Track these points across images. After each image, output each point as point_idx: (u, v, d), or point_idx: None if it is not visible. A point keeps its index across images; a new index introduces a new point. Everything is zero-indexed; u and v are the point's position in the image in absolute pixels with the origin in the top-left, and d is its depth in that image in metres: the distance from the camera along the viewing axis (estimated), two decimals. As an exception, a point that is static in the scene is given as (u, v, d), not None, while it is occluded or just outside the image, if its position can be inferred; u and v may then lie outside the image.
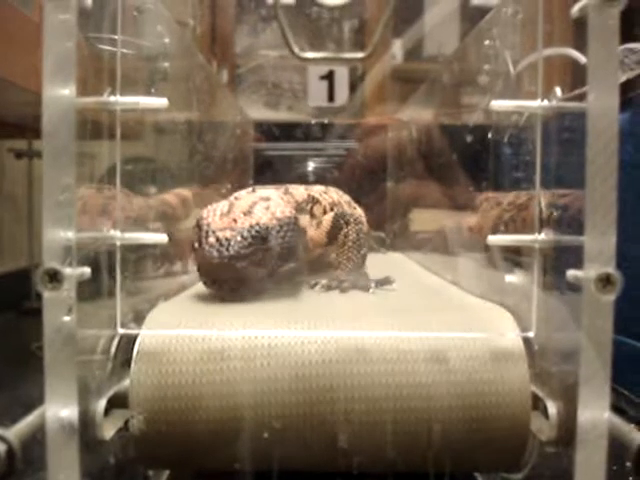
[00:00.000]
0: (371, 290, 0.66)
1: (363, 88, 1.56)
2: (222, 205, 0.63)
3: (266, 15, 1.73)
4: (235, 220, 0.59)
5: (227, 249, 0.57)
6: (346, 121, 1.43)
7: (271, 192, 0.67)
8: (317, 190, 0.79)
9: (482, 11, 0.66)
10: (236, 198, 0.65)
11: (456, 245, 0.79)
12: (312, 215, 0.74)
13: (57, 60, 0.37)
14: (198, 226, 0.60)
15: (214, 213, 0.61)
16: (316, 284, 0.67)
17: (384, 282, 0.68)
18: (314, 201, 0.75)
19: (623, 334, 0.79)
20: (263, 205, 0.62)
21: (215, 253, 0.56)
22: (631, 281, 0.37)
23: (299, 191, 0.75)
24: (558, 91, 0.46)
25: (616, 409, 0.38)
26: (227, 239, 0.57)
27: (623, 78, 0.81)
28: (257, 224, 0.59)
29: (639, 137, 0.80)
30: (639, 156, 0.78)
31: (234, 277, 0.57)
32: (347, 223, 0.72)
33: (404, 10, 1.63)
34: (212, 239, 0.57)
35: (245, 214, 0.60)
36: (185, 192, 0.75)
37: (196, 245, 0.59)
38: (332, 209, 0.77)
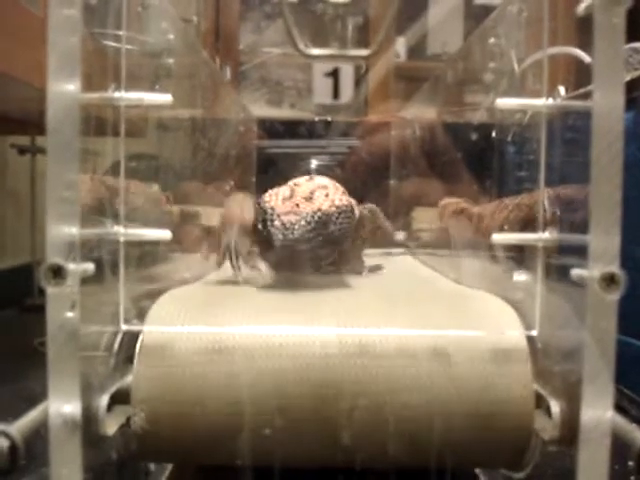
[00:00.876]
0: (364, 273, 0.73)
1: (366, 86, 1.56)
2: (283, 190, 0.65)
3: (270, 12, 1.73)
4: (297, 205, 0.62)
5: (292, 232, 0.59)
6: (349, 119, 1.43)
7: (327, 180, 0.71)
8: (320, 183, 0.80)
9: (486, 9, 0.66)
10: (296, 184, 0.68)
11: (459, 243, 0.79)
12: None
13: (62, 55, 0.37)
14: (261, 209, 0.62)
15: (277, 197, 0.63)
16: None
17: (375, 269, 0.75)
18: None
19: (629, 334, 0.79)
20: (323, 192, 0.66)
21: (280, 236, 0.59)
22: (636, 282, 0.37)
23: (303, 184, 0.76)
24: (562, 90, 0.46)
25: (621, 410, 0.38)
26: (292, 223, 0.60)
27: (627, 78, 0.81)
28: (319, 210, 0.62)
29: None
30: (643, 155, 0.78)
31: (296, 258, 0.61)
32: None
33: (408, 8, 1.63)
34: (277, 222, 0.60)
35: (306, 200, 0.63)
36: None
37: (260, 227, 0.61)
38: None
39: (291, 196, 0.64)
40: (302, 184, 0.68)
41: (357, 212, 0.72)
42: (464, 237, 0.76)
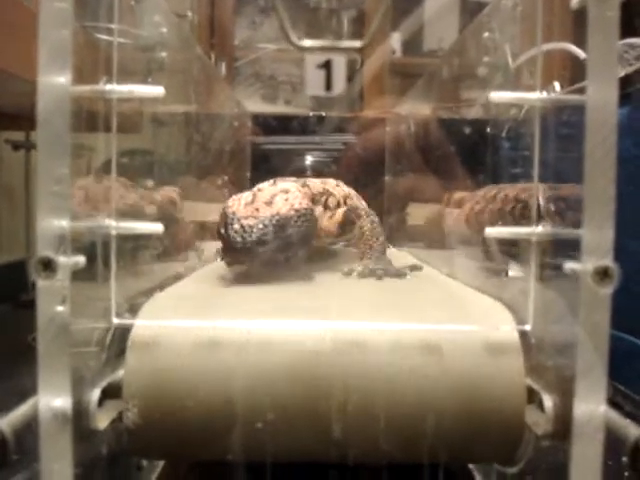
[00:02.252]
0: (408, 276, 0.71)
1: (361, 80, 1.56)
2: (246, 195, 0.68)
3: (265, 7, 1.72)
4: (258, 209, 0.65)
5: (250, 235, 0.62)
6: (342, 113, 1.42)
7: (290, 185, 0.73)
8: (331, 184, 0.84)
9: (482, 5, 0.66)
10: (259, 190, 0.70)
11: (454, 238, 0.79)
12: (326, 207, 0.79)
13: (53, 48, 0.37)
14: (224, 213, 0.65)
15: (239, 202, 0.66)
16: (351, 272, 0.71)
17: (414, 269, 0.74)
18: (328, 193, 0.81)
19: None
20: (283, 197, 0.68)
21: (239, 238, 0.62)
22: (631, 275, 0.36)
23: (315, 184, 0.80)
24: (557, 86, 0.46)
25: (615, 405, 0.38)
26: (250, 226, 0.63)
27: (622, 73, 0.81)
28: (277, 214, 0.65)
29: (637, 132, 0.79)
30: (637, 151, 0.78)
31: (255, 260, 0.63)
32: (359, 216, 0.78)
33: (404, 4, 1.63)
34: (237, 226, 0.63)
35: (267, 204, 0.66)
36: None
37: (222, 230, 0.64)
38: (345, 201, 0.83)
39: (253, 201, 0.66)
40: (264, 189, 0.70)
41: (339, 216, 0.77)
42: (464, 229, 0.76)
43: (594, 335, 0.36)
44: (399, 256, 0.90)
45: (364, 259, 0.74)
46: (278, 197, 0.67)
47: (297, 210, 0.67)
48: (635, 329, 0.81)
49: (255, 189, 0.70)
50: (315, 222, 0.71)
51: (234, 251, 0.63)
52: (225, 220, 0.64)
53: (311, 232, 0.70)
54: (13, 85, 0.83)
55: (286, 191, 0.69)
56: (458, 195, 0.82)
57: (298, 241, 0.66)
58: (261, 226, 0.63)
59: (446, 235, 0.84)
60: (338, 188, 0.84)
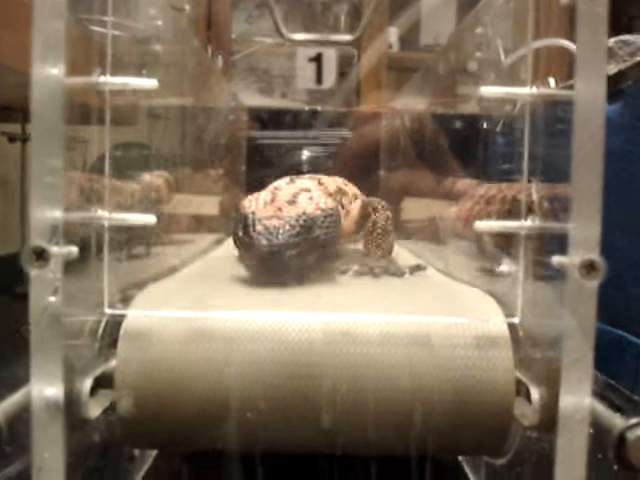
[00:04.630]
0: (406, 276, 0.67)
1: (358, 75, 1.56)
2: (264, 194, 0.63)
3: (262, 1, 1.73)
4: (280, 209, 0.60)
5: (276, 237, 0.57)
6: (339, 109, 1.43)
7: (310, 183, 0.68)
8: (341, 181, 0.80)
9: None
10: (276, 188, 0.65)
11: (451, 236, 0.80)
12: (342, 206, 0.73)
13: (46, 40, 0.37)
14: (242, 215, 0.60)
15: (257, 202, 0.62)
16: (347, 270, 0.67)
17: (416, 269, 0.69)
18: (342, 192, 0.76)
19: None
20: (307, 195, 0.63)
21: (264, 241, 0.57)
22: (622, 270, 0.37)
23: (329, 182, 0.75)
24: (552, 81, 0.46)
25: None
26: (275, 227, 0.58)
27: (615, 69, 0.81)
28: (304, 213, 0.60)
29: (629, 128, 0.80)
30: (629, 147, 0.79)
31: (281, 265, 0.57)
32: (375, 210, 0.74)
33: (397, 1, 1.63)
34: (260, 227, 0.58)
35: (289, 203, 0.61)
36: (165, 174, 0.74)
37: (240, 233, 0.59)
38: (356, 199, 0.78)
39: (273, 200, 0.62)
40: (283, 187, 0.66)
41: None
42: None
43: (580, 328, 0.37)
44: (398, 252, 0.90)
45: (367, 257, 0.72)
46: (301, 196, 0.63)
47: (323, 210, 0.62)
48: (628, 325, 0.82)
49: (271, 187, 0.66)
50: (340, 222, 0.66)
51: (258, 255, 0.57)
52: (245, 222, 0.59)
53: (337, 233, 0.64)
54: (8, 77, 0.83)
55: (307, 189, 0.65)
56: (459, 186, 0.81)
57: (325, 243, 0.61)
58: (288, 227, 0.58)
59: (442, 231, 0.84)
60: (348, 186, 0.80)
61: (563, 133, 0.45)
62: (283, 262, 0.57)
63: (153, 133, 0.73)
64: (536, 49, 0.48)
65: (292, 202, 0.61)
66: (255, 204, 0.61)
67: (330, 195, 0.71)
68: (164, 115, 0.75)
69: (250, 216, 0.59)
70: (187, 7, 1.46)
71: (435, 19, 1.76)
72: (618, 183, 0.74)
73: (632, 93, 0.82)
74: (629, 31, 0.89)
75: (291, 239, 0.57)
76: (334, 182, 0.77)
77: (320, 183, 0.72)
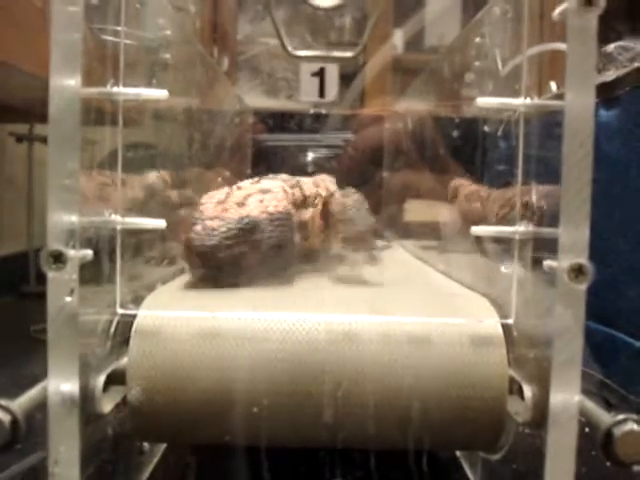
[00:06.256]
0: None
1: (363, 78, 1.57)
2: (220, 193, 0.62)
3: (268, 2, 1.73)
4: (226, 210, 0.59)
5: (210, 238, 0.56)
6: (344, 111, 1.44)
7: (274, 184, 0.66)
8: (326, 181, 0.79)
9: (485, 1, 0.66)
10: (238, 188, 0.64)
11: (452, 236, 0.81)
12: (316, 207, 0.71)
13: (64, 51, 0.38)
14: (195, 212, 0.59)
15: (210, 200, 0.61)
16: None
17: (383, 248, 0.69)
18: (319, 195, 0.73)
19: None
20: (258, 198, 0.61)
21: (197, 241, 0.56)
22: (618, 274, 0.38)
23: (309, 185, 0.73)
24: (553, 86, 0.48)
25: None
26: (213, 228, 0.57)
27: (613, 75, 0.82)
28: (247, 216, 0.59)
29: (627, 133, 0.81)
30: (626, 152, 0.80)
31: (214, 266, 0.57)
32: (330, 203, 0.72)
33: (403, 1, 1.64)
34: (199, 227, 0.57)
35: (238, 205, 0.60)
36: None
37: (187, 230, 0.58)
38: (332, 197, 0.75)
39: (224, 200, 0.60)
40: (243, 187, 0.64)
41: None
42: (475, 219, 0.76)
43: (569, 329, 0.39)
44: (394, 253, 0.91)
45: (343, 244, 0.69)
46: (252, 198, 0.61)
47: (271, 214, 0.60)
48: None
49: (234, 187, 0.64)
50: (293, 228, 0.63)
51: (192, 255, 0.57)
52: (193, 219, 0.58)
53: (288, 238, 0.62)
54: (17, 78, 0.85)
55: (265, 191, 0.63)
56: (466, 190, 0.82)
57: (270, 248, 0.59)
58: (224, 229, 0.57)
59: (444, 233, 0.85)
60: (329, 186, 0.78)
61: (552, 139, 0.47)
62: (216, 264, 0.56)
63: (159, 135, 0.74)
64: (532, 59, 0.50)
65: (241, 204, 0.60)
66: (208, 202, 0.60)
67: (305, 199, 0.69)
68: (170, 118, 0.76)
69: (196, 215, 0.59)
70: (192, 8, 1.47)
71: (440, 20, 1.77)
72: (616, 188, 0.75)
73: (630, 99, 0.83)
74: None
75: (225, 241, 0.56)
76: (316, 185, 0.74)
77: (295, 186, 0.69)
